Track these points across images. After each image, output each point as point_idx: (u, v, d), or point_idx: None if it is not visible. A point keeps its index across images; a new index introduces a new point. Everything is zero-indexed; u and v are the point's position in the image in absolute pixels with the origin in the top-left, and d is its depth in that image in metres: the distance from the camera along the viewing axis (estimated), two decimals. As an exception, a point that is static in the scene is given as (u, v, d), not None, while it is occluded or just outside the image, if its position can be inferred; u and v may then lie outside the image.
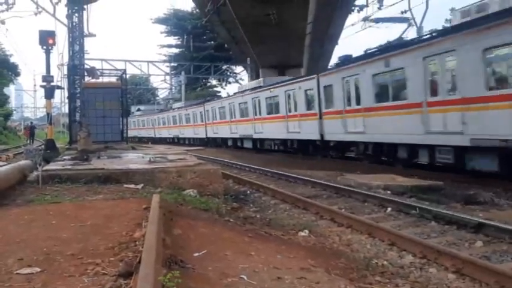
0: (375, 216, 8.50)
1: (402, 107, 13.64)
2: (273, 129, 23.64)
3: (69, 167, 9.93)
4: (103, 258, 3.68)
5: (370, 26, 23.74)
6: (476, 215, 7.86)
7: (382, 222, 7.76)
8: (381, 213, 8.76)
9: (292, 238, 6.66)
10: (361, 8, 23.85)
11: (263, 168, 16.24)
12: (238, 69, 57.10)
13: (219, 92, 59.47)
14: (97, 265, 3.53)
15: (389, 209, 8.87)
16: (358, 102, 16.06)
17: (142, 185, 8.55)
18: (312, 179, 12.83)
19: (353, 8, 25.78)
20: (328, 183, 11.87)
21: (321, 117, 18.80)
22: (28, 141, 38.95)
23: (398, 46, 14.57)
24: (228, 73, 58.98)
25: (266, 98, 24.54)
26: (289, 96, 21.83)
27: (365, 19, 23.03)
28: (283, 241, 6.23)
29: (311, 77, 19.90)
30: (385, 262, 5.74)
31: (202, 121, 35.90)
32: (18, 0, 34.34)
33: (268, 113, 24.17)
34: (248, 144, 27.75)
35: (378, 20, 23.13)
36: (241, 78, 56.72)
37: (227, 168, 17.77)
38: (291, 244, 6.09)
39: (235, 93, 31.25)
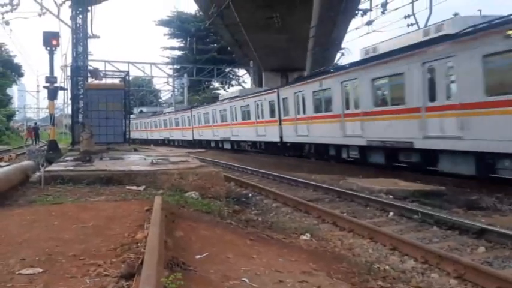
0: (377, 220, 8.49)
1: (330, 117, 17.93)
2: (246, 133, 27.55)
3: (71, 168, 9.95)
4: (105, 260, 3.68)
5: (374, 31, 23.76)
6: (478, 221, 7.85)
7: (384, 227, 7.74)
8: (383, 217, 8.75)
9: (294, 241, 6.64)
10: (365, 12, 23.79)
11: (265, 171, 16.24)
12: (241, 72, 57.28)
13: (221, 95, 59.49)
14: (99, 266, 3.53)
15: (391, 213, 8.85)
16: (304, 112, 20.29)
17: (144, 186, 8.55)
18: (313, 183, 12.82)
19: (356, 12, 25.72)
20: (330, 187, 11.85)
21: (280, 124, 22.90)
22: (30, 143, 39.02)
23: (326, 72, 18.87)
24: (231, 76, 59.07)
25: (241, 106, 28.45)
26: (257, 105, 25.87)
27: (369, 23, 23.03)
28: (284, 244, 6.22)
29: (272, 90, 24.26)
30: (386, 267, 5.72)
31: (189, 125, 39.83)
32: (23, 1, 34.51)
33: (243, 119, 28.22)
34: (227, 146, 31.87)
35: None
36: (243, 81, 56.88)
37: (229, 170, 17.78)
38: (292, 247, 6.08)
39: (216, 101, 35.35)
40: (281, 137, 23.09)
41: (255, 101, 26.25)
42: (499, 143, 10.27)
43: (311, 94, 19.52)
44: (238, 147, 30.46)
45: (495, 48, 10.36)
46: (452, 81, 11.99)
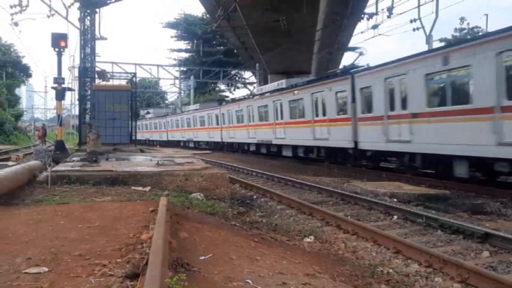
0: (381, 223, 8.49)
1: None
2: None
3: (78, 168, 10.02)
4: (110, 260, 3.71)
5: (379, 34, 23.73)
6: (483, 225, 7.84)
7: (388, 230, 7.74)
8: (387, 221, 8.74)
9: (298, 244, 6.66)
10: (371, 16, 23.78)
11: (270, 174, 16.25)
12: (247, 74, 57.30)
13: (227, 97, 59.61)
14: (104, 266, 3.55)
15: (395, 216, 8.84)
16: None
17: (149, 187, 8.61)
18: (318, 185, 12.82)
19: (362, 15, 25.71)
20: (335, 190, 11.85)
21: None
22: (39, 143, 39.68)
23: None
24: (237, 78, 59.13)
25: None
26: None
27: (374, 27, 23.02)
28: (288, 246, 6.24)
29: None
30: (390, 270, 5.73)
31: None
32: (32, 3, 34.74)
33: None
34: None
35: None
36: (249, 84, 56.86)
37: (234, 172, 17.81)
38: (296, 250, 6.10)
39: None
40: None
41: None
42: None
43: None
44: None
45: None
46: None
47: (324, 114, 18.87)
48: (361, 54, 18.88)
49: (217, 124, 33.10)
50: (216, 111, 33.57)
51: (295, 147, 22.15)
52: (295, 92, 21.34)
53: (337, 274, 4.96)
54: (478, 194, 11.11)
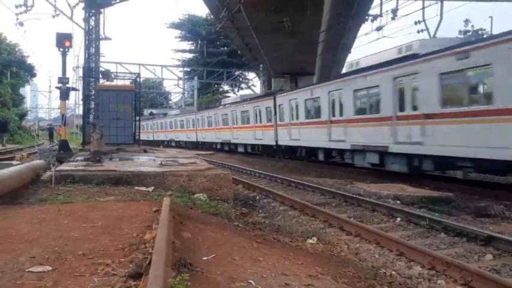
0: (384, 225, 8.48)
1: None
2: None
3: (81, 167, 10.05)
4: (113, 259, 3.72)
5: (384, 37, 23.72)
6: (486, 228, 7.82)
7: (391, 232, 7.73)
8: (390, 223, 8.73)
9: (301, 245, 6.66)
10: (375, 17, 23.74)
11: (273, 175, 16.25)
12: (251, 75, 57.35)
13: (231, 97, 59.67)
14: (107, 265, 3.56)
15: (398, 219, 8.83)
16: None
17: (153, 187, 8.62)
18: (321, 187, 12.81)
19: (367, 17, 25.67)
20: (338, 191, 11.84)
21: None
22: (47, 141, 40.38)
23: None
24: (241, 79, 59.19)
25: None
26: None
27: (378, 29, 22.99)
28: (291, 248, 6.24)
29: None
30: (393, 272, 5.72)
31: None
32: (37, 3, 34.85)
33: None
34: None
35: None
36: (253, 85, 56.89)
37: (237, 173, 17.82)
38: (299, 251, 6.10)
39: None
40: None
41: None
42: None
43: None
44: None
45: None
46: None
47: (260, 122, 26.47)
48: None
49: (193, 127, 40.37)
50: (192, 116, 41.28)
51: (245, 145, 29.82)
52: (244, 105, 29.26)
53: (340, 276, 4.95)
54: (481, 197, 11.07)
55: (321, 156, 19.96)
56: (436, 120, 12.43)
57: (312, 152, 20.72)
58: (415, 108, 13.47)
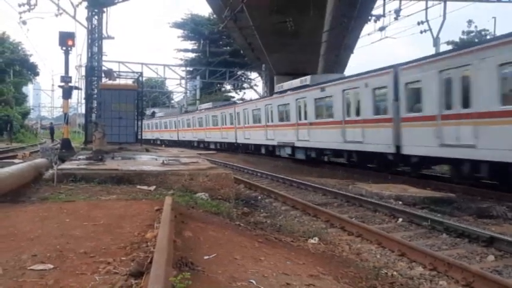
0: (386, 226, 8.47)
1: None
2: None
3: (83, 166, 10.06)
4: (115, 258, 3.72)
5: (387, 37, 23.72)
6: (488, 229, 7.80)
7: (392, 233, 7.72)
8: (392, 223, 8.72)
9: (302, 245, 6.66)
10: (378, 18, 23.74)
11: (274, 174, 16.25)
12: (253, 75, 57.34)
13: (233, 97, 59.70)
14: (108, 264, 3.56)
15: (400, 219, 8.82)
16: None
17: (154, 186, 8.62)
18: (323, 187, 12.81)
19: (370, 17, 25.68)
20: (340, 192, 11.83)
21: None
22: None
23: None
24: (243, 79, 59.18)
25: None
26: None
27: (381, 29, 22.97)
28: (292, 247, 6.23)
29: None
30: (394, 273, 5.71)
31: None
32: (40, 1, 34.99)
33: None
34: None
35: None
36: (255, 84, 56.89)
37: (238, 173, 17.83)
38: (300, 251, 6.09)
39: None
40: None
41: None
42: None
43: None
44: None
45: None
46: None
47: (225, 124, 32.66)
48: None
49: (175, 127, 46.58)
50: (174, 118, 47.73)
51: (215, 143, 36.44)
52: (214, 111, 35.44)
53: (341, 276, 4.95)
54: (483, 198, 11.05)
55: (262, 151, 27.25)
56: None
57: (256, 147, 28.61)
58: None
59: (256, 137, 27.15)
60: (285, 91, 23.40)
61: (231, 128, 31.85)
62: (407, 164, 14.84)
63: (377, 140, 15.48)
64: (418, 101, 13.73)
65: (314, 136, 19.88)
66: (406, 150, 14.11)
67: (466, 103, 11.79)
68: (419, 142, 13.46)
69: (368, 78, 16.11)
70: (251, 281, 3.79)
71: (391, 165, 15.53)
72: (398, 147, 14.41)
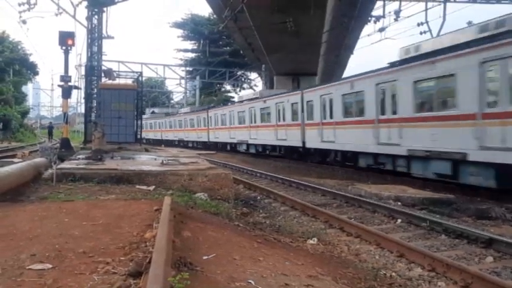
0: (385, 227, 8.47)
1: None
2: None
3: (83, 166, 10.06)
4: (113, 257, 3.72)
5: (386, 38, 23.73)
6: (487, 230, 7.81)
7: (391, 233, 7.73)
8: (391, 224, 8.72)
9: (301, 245, 6.67)
10: (378, 18, 23.74)
11: (274, 175, 16.25)
12: (253, 75, 57.37)
13: (233, 97, 59.71)
14: (107, 264, 3.56)
15: (399, 220, 8.82)
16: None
17: (154, 186, 8.63)
18: (322, 187, 12.81)
19: (369, 18, 25.67)
20: (339, 192, 11.83)
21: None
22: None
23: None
24: (243, 79, 59.19)
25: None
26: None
27: (381, 30, 22.98)
28: (291, 248, 6.24)
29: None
30: (393, 273, 5.72)
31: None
32: (40, 1, 34.98)
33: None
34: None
35: None
36: (255, 85, 56.95)
37: (238, 173, 17.83)
38: (299, 251, 6.10)
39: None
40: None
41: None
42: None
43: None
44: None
45: None
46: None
47: (200, 126, 38.21)
48: None
49: (159, 128, 52.82)
50: (158, 120, 53.82)
51: (193, 142, 41.99)
52: (193, 114, 41.08)
53: (340, 276, 4.95)
54: (482, 199, 11.05)
55: (228, 147, 33.51)
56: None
57: (223, 145, 34.32)
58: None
59: (223, 136, 33.33)
60: (243, 101, 30.39)
61: (204, 129, 37.90)
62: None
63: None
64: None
65: (259, 135, 26.49)
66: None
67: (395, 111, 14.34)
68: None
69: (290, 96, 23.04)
70: (250, 281, 3.79)
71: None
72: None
